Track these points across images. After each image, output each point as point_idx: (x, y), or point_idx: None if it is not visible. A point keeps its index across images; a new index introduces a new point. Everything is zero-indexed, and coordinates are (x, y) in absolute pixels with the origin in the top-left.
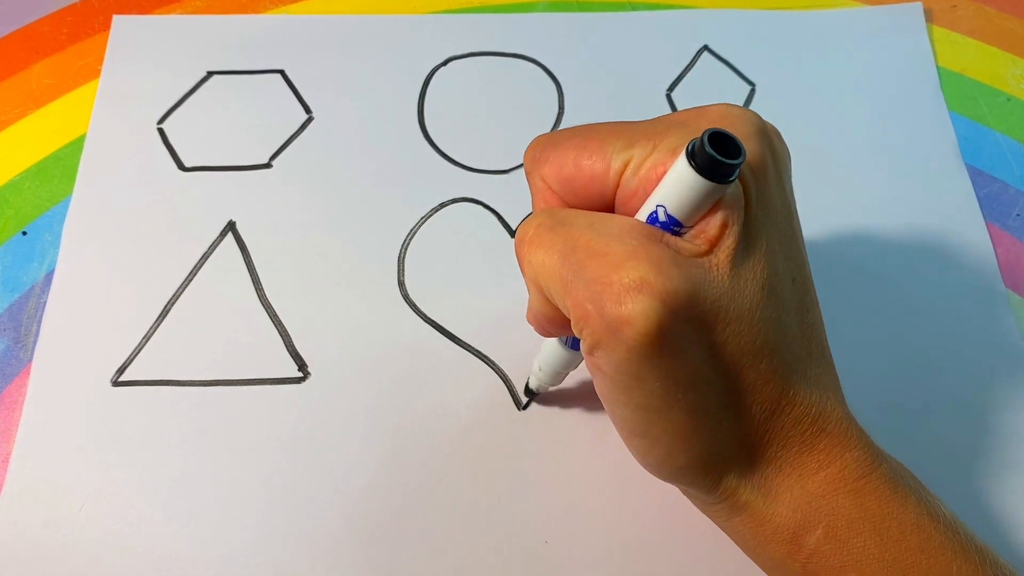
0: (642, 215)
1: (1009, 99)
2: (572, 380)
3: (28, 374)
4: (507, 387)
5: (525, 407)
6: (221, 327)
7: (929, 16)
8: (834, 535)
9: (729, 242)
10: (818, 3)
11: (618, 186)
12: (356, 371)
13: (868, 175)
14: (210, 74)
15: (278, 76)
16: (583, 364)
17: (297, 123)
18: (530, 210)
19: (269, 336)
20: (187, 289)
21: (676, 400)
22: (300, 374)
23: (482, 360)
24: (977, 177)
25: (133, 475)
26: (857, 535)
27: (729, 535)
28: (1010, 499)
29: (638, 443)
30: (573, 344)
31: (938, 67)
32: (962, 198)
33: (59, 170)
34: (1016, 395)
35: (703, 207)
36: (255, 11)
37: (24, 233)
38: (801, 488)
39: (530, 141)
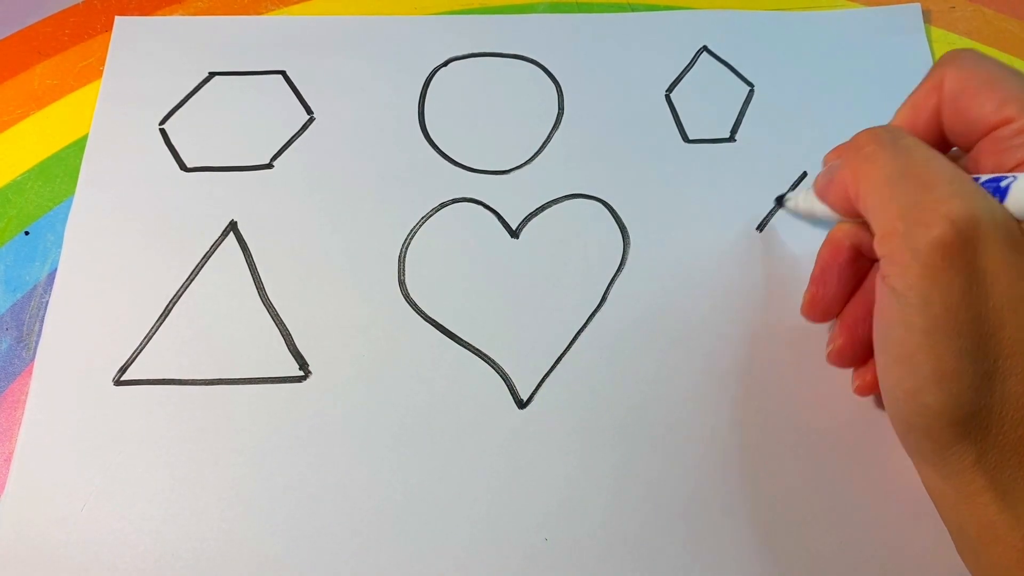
0: (987, 176)
1: None
2: (574, 379)
3: (30, 373)
4: (507, 386)
5: (524, 405)
6: (222, 326)
7: (927, 17)
8: None
9: None
10: (816, 4)
11: (989, 132)
12: (357, 370)
13: None
14: (212, 75)
15: (279, 77)
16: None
17: (298, 124)
18: (530, 211)
19: (270, 335)
20: (189, 289)
21: (951, 335)
22: (301, 373)
23: (482, 359)
24: None
25: (135, 474)
26: None
27: (952, 535)
28: None
29: (897, 370)
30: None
31: None
32: None
33: (61, 170)
34: None
35: None
36: (256, 12)
37: (27, 233)
38: None
39: (529, 141)
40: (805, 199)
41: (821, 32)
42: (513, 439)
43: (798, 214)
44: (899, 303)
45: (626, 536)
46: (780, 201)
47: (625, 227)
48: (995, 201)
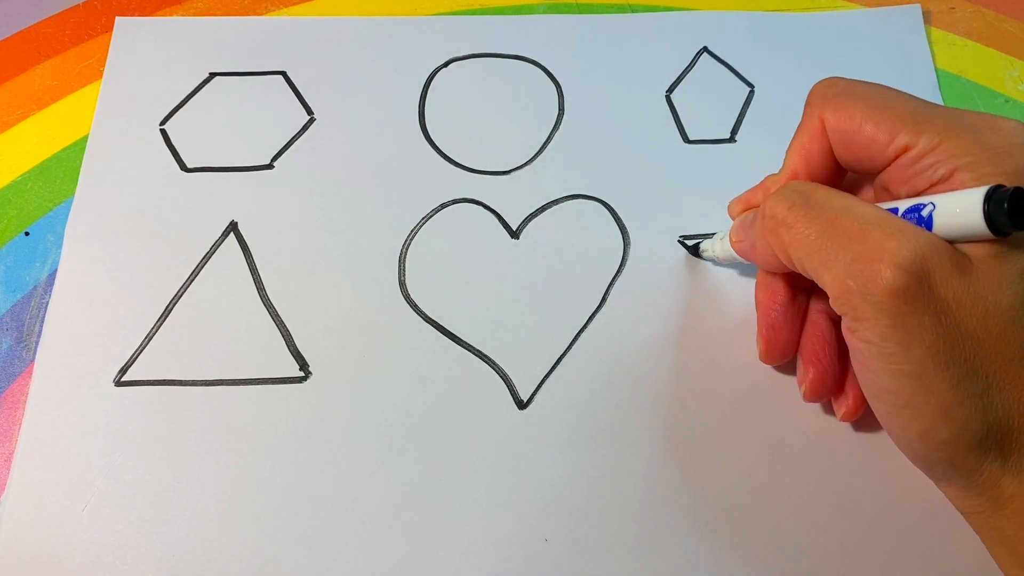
0: (903, 205)
1: (1007, 101)
2: (574, 380)
3: (31, 374)
4: (507, 386)
5: (525, 406)
6: (223, 327)
7: (927, 18)
8: None
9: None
10: (817, 5)
11: (890, 164)
12: (357, 371)
13: None
14: (212, 75)
15: (280, 77)
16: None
17: (299, 124)
18: (531, 211)
19: (271, 336)
20: (189, 289)
21: (940, 370)
22: (302, 374)
23: (482, 360)
24: None
25: (136, 475)
26: None
27: (987, 538)
28: None
29: (900, 416)
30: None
31: (936, 69)
32: None
33: (62, 171)
34: None
35: (971, 240)
36: (257, 13)
37: (27, 233)
38: None
39: (529, 142)
40: (723, 249)
41: (821, 33)
42: (513, 440)
43: (714, 260)
44: (879, 354)
45: (626, 536)
46: (694, 250)
47: (625, 227)
48: (927, 232)
